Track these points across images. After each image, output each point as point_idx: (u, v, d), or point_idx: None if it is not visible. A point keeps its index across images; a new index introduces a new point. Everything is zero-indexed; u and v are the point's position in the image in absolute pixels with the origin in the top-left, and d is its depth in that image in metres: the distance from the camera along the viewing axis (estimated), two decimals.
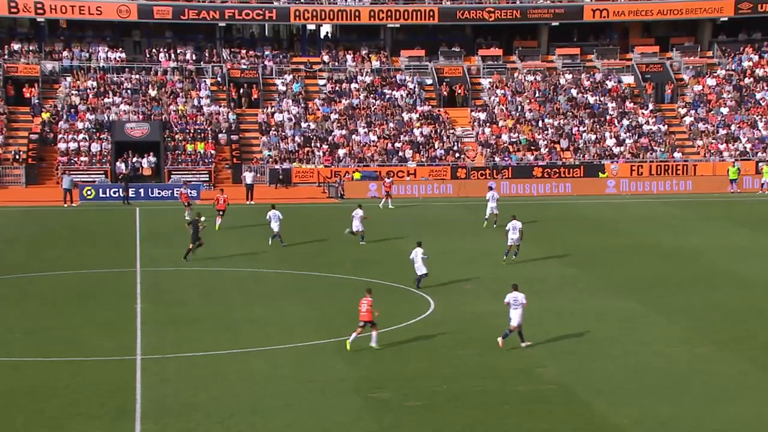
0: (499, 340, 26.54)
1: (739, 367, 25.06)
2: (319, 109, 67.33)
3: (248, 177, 57.66)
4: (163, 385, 23.79)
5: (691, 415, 21.63)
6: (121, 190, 56.90)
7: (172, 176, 60.91)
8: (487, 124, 66.55)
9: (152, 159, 61.54)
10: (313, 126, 65.81)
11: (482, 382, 23.97)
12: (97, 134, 63.12)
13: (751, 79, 70.14)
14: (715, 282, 34.71)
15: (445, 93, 69.27)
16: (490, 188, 47.88)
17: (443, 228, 45.87)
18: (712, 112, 67.59)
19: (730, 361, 25.58)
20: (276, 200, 56.54)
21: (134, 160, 61.30)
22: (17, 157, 61.44)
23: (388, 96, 68.56)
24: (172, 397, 22.94)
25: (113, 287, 34.69)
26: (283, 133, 64.90)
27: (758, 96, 68.63)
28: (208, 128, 64.47)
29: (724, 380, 24.00)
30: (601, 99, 68.59)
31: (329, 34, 75.96)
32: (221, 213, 45.86)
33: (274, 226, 41.68)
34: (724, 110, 67.48)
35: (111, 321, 29.92)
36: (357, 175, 60.96)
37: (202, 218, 40.55)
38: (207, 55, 70.64)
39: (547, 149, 64.27)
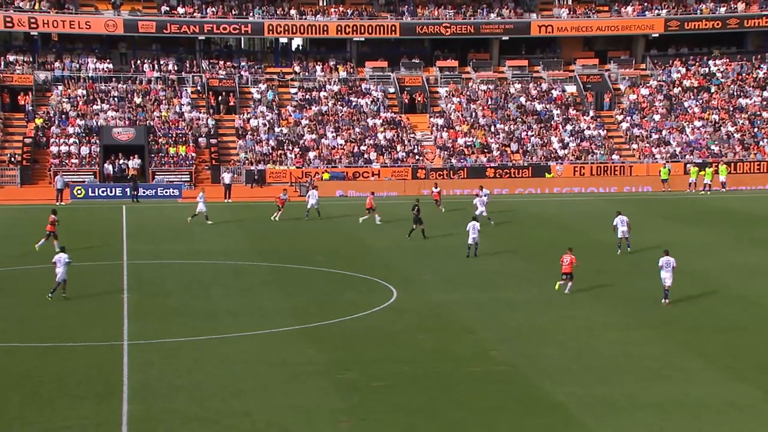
0: (663, 301, 29.41)
1: (667, 348, 25.29)
2: (291, 115, 67.07)
3: (226, 177, 57.44)
4: (148, 369, 23.60)
5: (625, 393, 21.80)
6: (129, 189, 56.53)
7: (156, 177, 60.47)
8: (445, 129, 66.66)
9: (137, 161, 61.01)
10: (285, 131, 65.54)
11: (440, 364, 24.01)
12: (87, 138, 62.48)
13: (680, 89, 70.80)
14: (648, 272, 34.94)
15: (406, 101, 69.29)
16: (481, 188, 49.01)
17: (405, 224, 45.89)
18: (646, 119, 68.13)
19: (660, 343, 25.81)
20: (252, 199, 56.44)
21: (121, 162, 60.77)
22: (12, 159, 60.63)
23: (354, 103, 68.44)
24: (156, 380, 22.77)
25: (101, 279, 34.36)
26: (258, 137, 64.59)
27: (686, 104, 69.29)
28: (189, 133, 64.00)
29: (655, 361, 24.21)
30: (547, 106, 68.93)
31: (300, 47, 75.68)
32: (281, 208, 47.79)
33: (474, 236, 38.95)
34: (656, 117, 68.06)
35: (99, 310, 29.64)
36: (326, 176, 60.83)
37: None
38: (188, 65, 70.11)
39: (498, 152, 64.50)
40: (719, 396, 21.54)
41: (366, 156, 63.63)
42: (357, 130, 65.89)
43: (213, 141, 64.17)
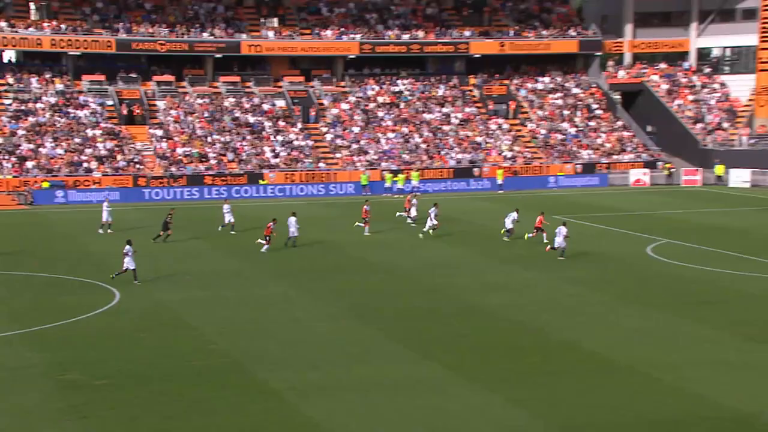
0: (547, 248, 36.46)
1: (369, 335, 26.14)
2: (6, 126, 62.20)
3: None
4: None
5: (332, 377, 22.31)
6: None
7: None
8: (164, 140, 64.87)
9: None
10: (1, 140, 60.67)
11: (162, 360, 23.32)
12: None
13: (375, 104, 73.92)
14: (352, 268, 36.12)
15: (124, 113, 66.66)
16: (435, 205, 44.47)
17: (123, 227, 44.06)
18: (347, 131, 70.40)
19: (362, 331, 26.59)
20: None
21: None
22: None
23: (72, 114, 64.77)
24: None
25: None
26: None
27: (380, 116, 72.46)
28: None
29: (358, 347, 24.89)
30: (259, 119, 69.19)
31: (12, 59, 70.37)
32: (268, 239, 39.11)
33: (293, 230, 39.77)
34: (356, 129, 70.55)
35: None
36: (46, 184, 57.13)
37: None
38: None
39: (216, 161, 63.80)
40: (412, 374, 22.61)
41: (86, 165, 60.42)
42: (76, 140, 62.40)
43: None
